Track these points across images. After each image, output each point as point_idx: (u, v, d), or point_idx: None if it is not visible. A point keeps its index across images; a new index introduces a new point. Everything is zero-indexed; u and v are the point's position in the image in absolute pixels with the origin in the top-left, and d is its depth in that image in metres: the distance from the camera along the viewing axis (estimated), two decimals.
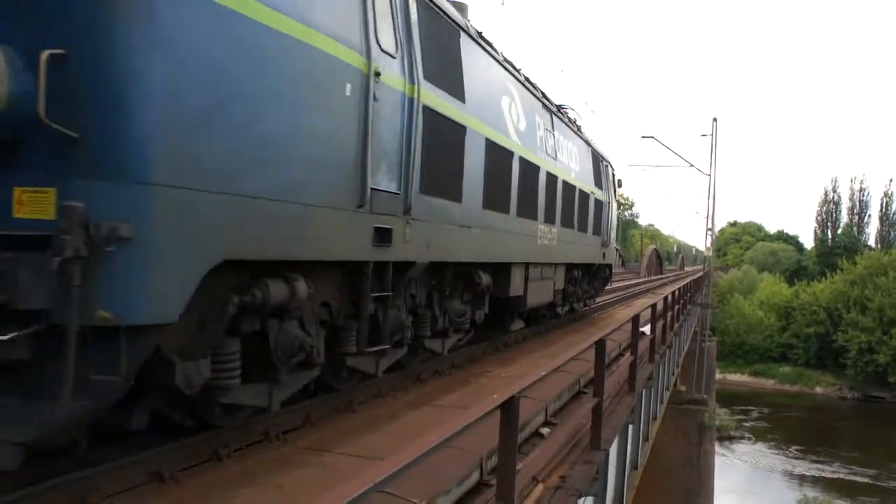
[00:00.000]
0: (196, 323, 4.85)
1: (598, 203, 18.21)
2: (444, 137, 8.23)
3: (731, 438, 41.84)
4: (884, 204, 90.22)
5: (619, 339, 13.87)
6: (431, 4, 8.11)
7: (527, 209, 11.78)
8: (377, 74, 6.53)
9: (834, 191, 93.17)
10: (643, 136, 40.81)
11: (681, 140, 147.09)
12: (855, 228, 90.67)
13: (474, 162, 9.28)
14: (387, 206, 6.87)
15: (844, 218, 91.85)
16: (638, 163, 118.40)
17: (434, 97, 7.86)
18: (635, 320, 11.26)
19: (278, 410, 6.14)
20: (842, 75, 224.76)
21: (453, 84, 8.59)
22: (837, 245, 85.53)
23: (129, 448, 5.18)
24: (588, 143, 17.35)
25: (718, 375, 45.85)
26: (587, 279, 18.90)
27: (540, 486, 6.20)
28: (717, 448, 33.09)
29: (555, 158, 13.68)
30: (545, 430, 8.07)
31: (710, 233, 39.95)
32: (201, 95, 4.48)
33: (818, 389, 57.72)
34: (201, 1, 4.49)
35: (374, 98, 6.50)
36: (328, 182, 5.94)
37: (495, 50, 10.62)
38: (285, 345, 5.85)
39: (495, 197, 10.14)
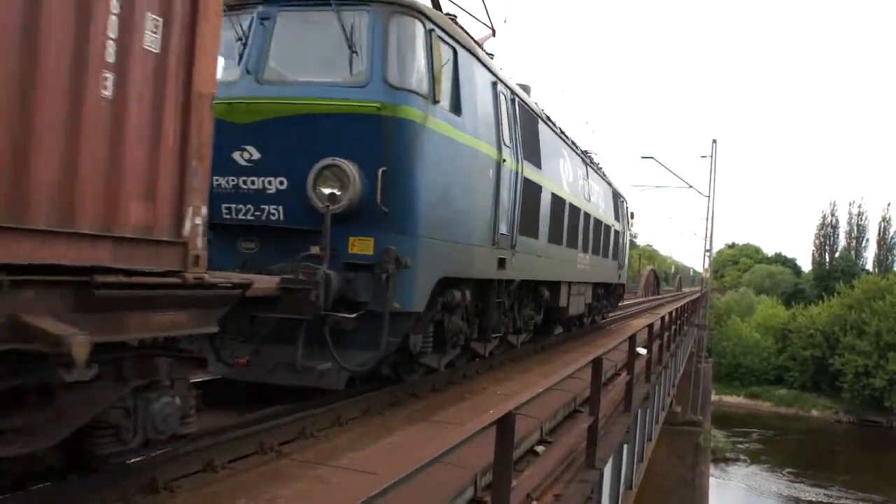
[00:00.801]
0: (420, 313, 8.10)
1: (616, 233, 22.17)
2: (531, 195, 11.89)
3: (726, 460, 41.69)
4: (881, 228, 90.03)
5: (616, 358, 13.87)
6: (526, 106, 12.03)
7: (571, 241, 15.44)
8: (503, 161, 10.22)
9: (832, 214, 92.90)
10: (643, 157, 41.43)
11: (680, 161, 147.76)
12: (853, 252, 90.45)
13: (545, 209, 12.90)
14: (504, 243, 10.58)
15: (842, 242, 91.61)
16: (637, 183, 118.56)
17: (528, 169, 11.57)
18: (632, 339, 11.26)
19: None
20: (842, 99, 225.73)
21: (535, 157, 12.23)
22: (835, 269, 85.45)
23: (121, 456, 5.18)
24: (609, 184, 21.31)
25: (714, 397, 45.80)
26: (606, 295, 22.84)
27: None
28: (712, 470, 32.99)
29: (588, 200, 17.42)
30: (540, 449, 8.06)
31: (707, 254, 40.02)
32: (437, 189, 8.17)
33: (814, 413, 57.54)
34: (440, 137, 8.20)
35: (500, 176, 10.13)
36: (480, 230, 9.65)
37: (555, 124, 14.37)
38: (452, 330, 9.38)
39: (554, 233, 13.70)
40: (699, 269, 60.50)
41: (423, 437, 7.06)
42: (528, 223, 11.77)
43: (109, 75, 4.06)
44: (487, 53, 10.48)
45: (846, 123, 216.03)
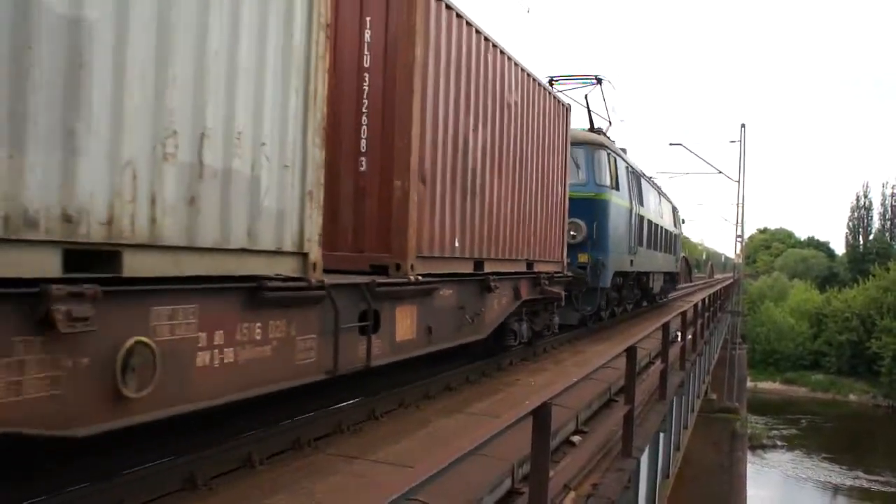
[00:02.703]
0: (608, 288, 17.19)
1: (675, 236, 31.34)
2: (640, 222, 20.50)
3: (763, 447, 41.37)
4: None
5: (649, 347, 13.79)
6: (636, 171, 20.87)
7: (655, 245, 24.17)
8: (632, 208, 19.24)
9: (865, 196, 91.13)
10: (671, 144, 41.64)
11: (709, 146, 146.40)
12: (887, 234, 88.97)
13: (645, 229, 21.62)
14: (632, 251, 19.17)
15: (876, 223, 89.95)
16: (666, 170, 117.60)
17: (639, 208, 20.35)
18: (665, 327, 11.18)
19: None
20: (871, 80, 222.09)
21: (640, 199, 20.86)
22: (869, 251, 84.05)
23: (161, 454, 5.23)
24: (669, 201, 30.48)
25: (750, 383, 45.33)
26: (670, 280, 31.79)
27: (572, 494, 6.17)
28: (749, 456, 32.73)
29: (661, 217, 26.31)
30: (576, 439, 8.03)
31: (739, 240, 39.64)
32: (614, 229, 16.96)
33: (851, 397, 56.81)
34: (614, 205, 17.13)
35: (631, 216, 19.04)
36: (625, 245, 18.49)
37: (645, 174, 23.43)
38: (611, 299, 18.32)
39: (648, 241, 22.43)
40: (731, 255, 59.81)
41: (459, 430, 7.06)
42: (639, 238, 20.53)
43: (550, 208, 12.67)
44: (610, 139, 19.07)
45: (879, 104, 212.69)
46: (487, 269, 9.50)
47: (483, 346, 10.37)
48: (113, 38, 3.87)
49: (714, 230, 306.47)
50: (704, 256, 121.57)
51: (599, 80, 19.31)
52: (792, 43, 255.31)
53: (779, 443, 43.21)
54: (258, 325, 5.10)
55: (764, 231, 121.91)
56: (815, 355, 61.71)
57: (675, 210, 32.16)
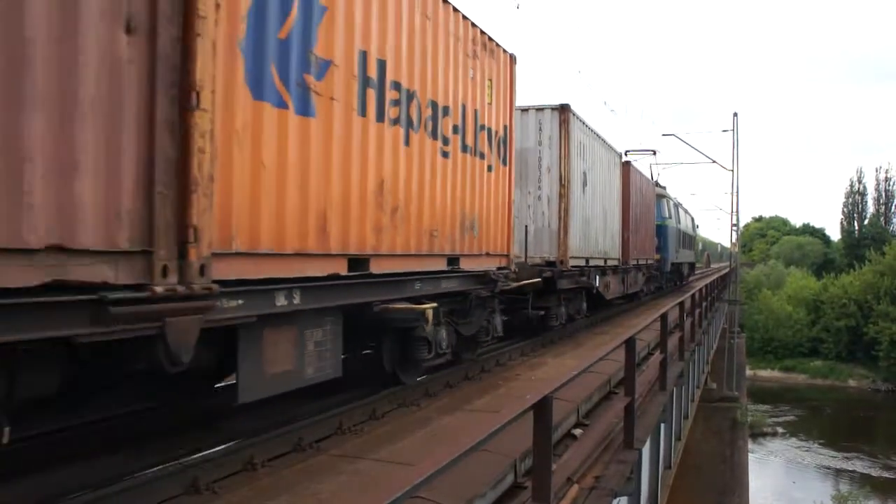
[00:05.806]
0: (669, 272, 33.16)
1: (692, 237, 44.35)
2: (679, 234, 35.67)
3: (764, 435, 41.36)
4: None
5: (648, 338, 13.80)
6: (676, 202, 37.19)
7: (684, 245, 37.80)
8: (677, 226, 34.92)
9: (859, 181, 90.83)
10: (664, 134, 42.41)
11: (702, 136, 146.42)
12: (882, 219, 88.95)
13: (682, 237, 36.88)
14: (677, 250, 34.52)
15: (871, 209, 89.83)
16: (659, 161, 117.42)
17: (679, 225, 35.66)
18: (664, 318, 11.18)
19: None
20: (863, 65, 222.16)
21: (679, 219, 36.36)
22: (865, 236, 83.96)
23: (163, 458, 5.23)
24: (689, 214, 44.10)
25: (749, 372, 45.37)
26: (690, 267, 43.33)
27: (575, 487, 6.17)
28: (751, 445, 32.74)
29: (687, 227, 39.91)
30: (577, 432, 8.04)
31: (734, 228, 39.71)
32: (669, 240, 31.45)
33: (851, 382, 56.80)
34: (672, 227, 32.46)
35: (678, 232, 34.91)
36: (674, 248, 33.20)
37: (680, 203, 39.73)
38: (667, 278, 33.77)
39: (683, 244, 37.37)
40: (726, 244, 59.78)
41: (460, 427, 7.06)
42: (678, 243, 33.79)
43: (651, 231, 28.46)
44: (662, 185, 33.41)
45: (870, 88, 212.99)
46: (639, 262, 22.65)
47: (629, 298, 23.41)
48: (603, 211, 18.46)
49: (709, 220, 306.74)
50: (700, 246, 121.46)
51: (655, 152, 33.67)
52: (783, 29, 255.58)
53: (780, 430, 43.20)
54: (616, 278, 19.82)
55: (759, 219, 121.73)
56: (814, 342, 61.63)
57: (692, 219, 47.66)
